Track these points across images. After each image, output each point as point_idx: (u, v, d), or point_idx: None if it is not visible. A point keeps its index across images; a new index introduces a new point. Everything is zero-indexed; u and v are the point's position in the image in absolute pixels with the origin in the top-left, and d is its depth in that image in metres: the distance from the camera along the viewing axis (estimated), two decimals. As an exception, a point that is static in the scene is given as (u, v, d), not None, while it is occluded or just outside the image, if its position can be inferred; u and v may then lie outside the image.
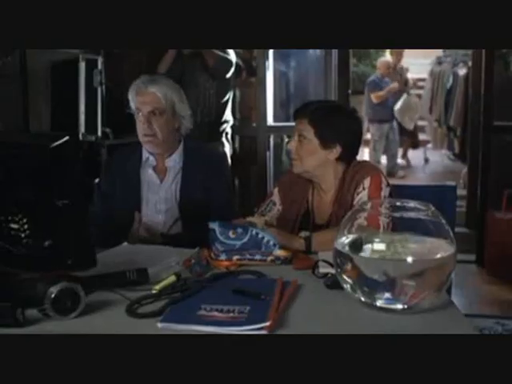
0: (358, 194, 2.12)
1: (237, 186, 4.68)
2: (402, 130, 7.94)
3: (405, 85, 7.82)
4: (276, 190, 2.35)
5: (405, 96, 7.71)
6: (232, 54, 4.26)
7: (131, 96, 2.46)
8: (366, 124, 7.63)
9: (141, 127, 2.44)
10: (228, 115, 4.42)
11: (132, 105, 2.47)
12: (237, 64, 4.52)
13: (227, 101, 4.38)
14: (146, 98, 2.43)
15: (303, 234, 2.04)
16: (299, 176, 2.25)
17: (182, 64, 4.16)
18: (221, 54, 4.12)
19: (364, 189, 2.11)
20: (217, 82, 4.24)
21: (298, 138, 2.17)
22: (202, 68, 4.17)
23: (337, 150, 2.15)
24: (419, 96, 8.14)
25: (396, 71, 7.79)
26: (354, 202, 2.10)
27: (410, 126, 8.07)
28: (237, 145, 4.98)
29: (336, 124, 2.16)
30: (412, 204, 1.60)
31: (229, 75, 4.24)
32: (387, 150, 7.85)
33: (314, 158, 2.16)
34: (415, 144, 8.47)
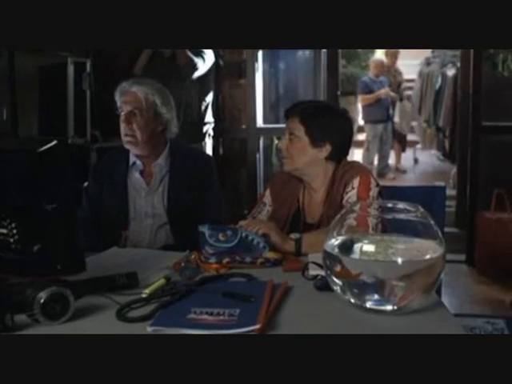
0: (347, 193, 2.13)
1: (226, 188, 4.68)
2: (395, 133, 7.95)
3: (398, 87, 7.82)
4: (268, 191, 2.36)
5: (398, 104, 7.72)
6: (208, 55, 4.25)
7: (117, 96, 2.47)
8: (358, 124, 7.65)
9: (122, 127, 2.45)
10: (209, 116, 4.43)
11: (118, 105, 2.48)
12: (217, 64, 4.53)
13: (208, 102, 4.39)
14: (128, 97, 2.44)
15: (293, 235, 2.04)
16: (290, 176, 2.27)
17: (160, 65, 4.16)
18: (190, 55, 4.12)
19: (353, 188, 2.12)
20: (199, 82, 4.25)
21: (288, 136, 2.19)
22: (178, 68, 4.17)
23: (327, 149, 2.17)
24: (408, 97, 8.17)
25: (390, 73, 7.81)
26: (343, 202, 2.11)
27: (406, 132, 8.11)
28: (226, 147, 4.98)
29: (326, 123, 2.18)
30: (401, 205, 1.60)
31: (194, 76, 4.22)
32: (380, 150, 7.86)
33: (304, 156, 2.17)
34: (404, 147, 8.49)
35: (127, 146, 2.47)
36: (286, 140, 2.20)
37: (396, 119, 7.82)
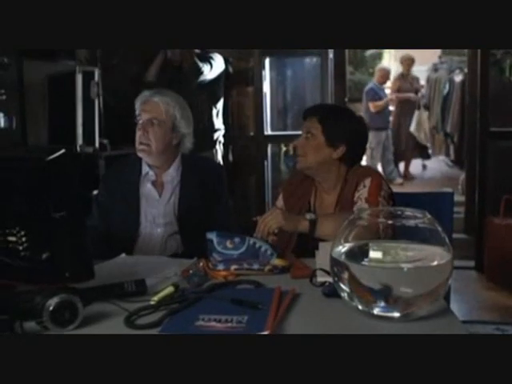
0: (358, 191, 2.16)
1: (235, 196, 4.69)
2: (416, 143, 7.96)
3: (415, 93, 7.84)
4: (281, 196, 2.41)
5: (416, 113, 7.72)
6: (218, 62, 4.27)
7: (137, 104, 2.48)
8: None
9: (138, 134, 2.45)
10: (220, 124, 4.44)
11: (137, 113, 2.48)
12: (227, 71, 4.54)
13: (219, 109, 4.41)
14: (148, 106, 2.45)
15: (308, 215, 2.06)
16: (302, 178, 2.32)
17: (171, 71, 4.18)
18: (196, 60, 4.14)
19: (364, 186, 2.15)
20: (209, 89, 4.27)
21: (305, 135, 2.24)
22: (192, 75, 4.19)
23: (341, 150, 2.22)
24: (424, 106, 8.15)
25: (407, 80, 7.82)
26: (355, 198, 2.15)
27: (426, 142, 8.09)
28: (234, 154, 4.99)
29: (343, 124, 2.24)
30: (409, 212, 1.61)
31: (200, 81, 4.24)
32: (382, 157, 7.87)
33: (319, 155, 2.22)
34: (426, 157, 8.51)
35: (140, 154, 2.47)
36: (302, 138, 2.25)
37: (412, 128, 7.83)
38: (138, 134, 2.44)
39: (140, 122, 2.44)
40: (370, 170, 2.28)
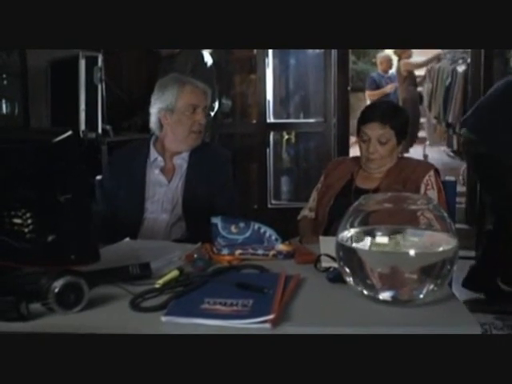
0: (428, 190, 2.34)
1: (237, 183, 4.68)
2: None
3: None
4: (322, 177, 2.58)
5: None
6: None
7: (175, 90, 2.46)
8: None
9: (196, 121, 2.47)
10: None
11: (172, 100, 2.46)
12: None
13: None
14: (200, 94, 2.49)
15: None
16: (350, 158, 2.58)
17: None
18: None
19: (433, 188, 2.35)
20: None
21: (377, 140, 2.39)
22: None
23: (402, 144, 2.47)
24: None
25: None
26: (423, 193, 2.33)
27: None
28: (237, 141, 4.98)
29: (405, 122, 2.48)
30: (414, 198, 1.61)
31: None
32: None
33: (394, 154, 2.45)
34: None
35: (193, 141, 2.49)
36: (375, 145, 2.39)
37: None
38: (200, 120, 2.47)
39: (199, 109, 2.47)
40: (427, 163, 2.58)
